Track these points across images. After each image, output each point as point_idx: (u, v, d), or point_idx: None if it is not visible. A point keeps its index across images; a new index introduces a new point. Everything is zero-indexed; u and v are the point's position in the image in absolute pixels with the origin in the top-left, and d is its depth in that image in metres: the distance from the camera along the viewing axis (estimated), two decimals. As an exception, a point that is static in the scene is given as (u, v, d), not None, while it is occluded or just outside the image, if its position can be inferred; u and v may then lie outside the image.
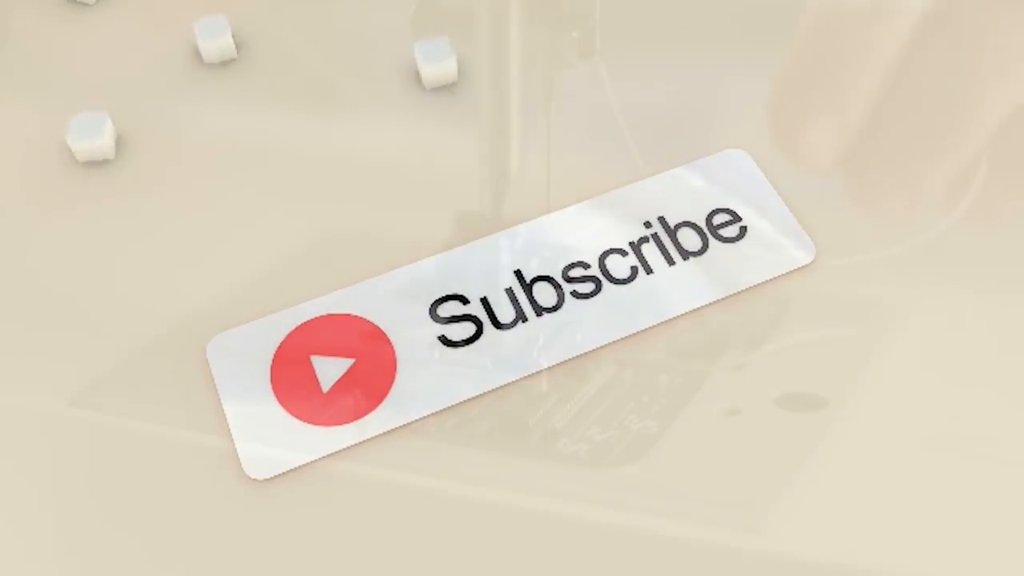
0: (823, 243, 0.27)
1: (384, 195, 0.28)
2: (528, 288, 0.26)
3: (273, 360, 0.25)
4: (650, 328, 0.26)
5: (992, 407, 0.25)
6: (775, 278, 0.26)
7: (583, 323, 0.26)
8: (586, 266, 0.26)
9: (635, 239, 0.27)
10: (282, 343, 0.25)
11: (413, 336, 0.25)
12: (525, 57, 0.31)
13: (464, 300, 0.26)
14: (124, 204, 0.28)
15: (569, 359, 0.25)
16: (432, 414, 0.24)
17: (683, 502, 0.23)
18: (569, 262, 0.27)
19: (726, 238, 0.27)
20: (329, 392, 0.25)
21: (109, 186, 0.28)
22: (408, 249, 0.27)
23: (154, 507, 0.23)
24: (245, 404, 0.25)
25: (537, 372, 0.25)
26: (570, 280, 0.26)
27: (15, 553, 0.23)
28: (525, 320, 0.26)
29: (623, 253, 0.27)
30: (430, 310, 0.26)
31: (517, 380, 0.25)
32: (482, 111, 0.30)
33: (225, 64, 0.31)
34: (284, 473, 0.24)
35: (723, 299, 0.26)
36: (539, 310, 0.26)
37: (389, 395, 0.25)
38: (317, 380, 0.25)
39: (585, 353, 0.25)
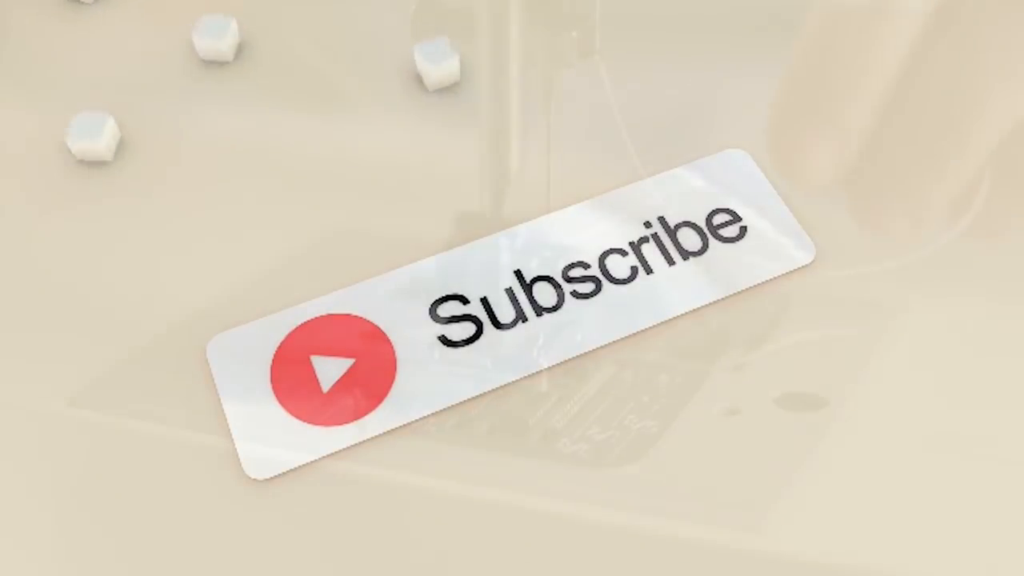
0: (823, 243, 0.27)
1: (384, 195, 0.28)
2: (528, 288, 0.26)
3: (273, 360, 0.25)
4: (650, 328, 0.26)
5: (992, 407, 0.25)
6: (775, 278, 0.26)
7: (583, 323, 0.26)
8: (586, 266, 0.26)
9: (635, 239, 0.27)
10: (282, 343, 0.25)
11: (413, 336, 0.25)
12: (525, 57, 0.31)
13: (464, 300, 0.26)
14: (124, 204, 0.28)
15: (569, 359, 0.25)
16: (432, 414, 0.24)
17: (683, 502, 0.23)
18: (569, 262, 0.27)
19: (726, 238, 0.27)
20: (329, 392, 0.25)
21: (109, 186, 0.28)
22: (408, 249, 0.27)
23: (154, 507, 0.23)
24: (245, 404, 0.25)
25: (537, 372, 0.25)
26: (570, 280, 0.26)
27: (15, 553, 0.23)
28: (525, 320, 0.26)
29: (623, 253, 0.27)
30: (430, 310, 0.26)
31: (517, 380, 0.25)
32: (482, 111, 0.30)
33: (226, 64, 0.31)
34: (284, 473, 0.24)
35: (723, 299, 0.26)
36: (539, 310, 0.26)
37: (389, 395, 0.25)
38: (317, 380, 0.25)
39: (585, 353, 0.25)
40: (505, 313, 0.26)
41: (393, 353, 0.25)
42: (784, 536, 0.23)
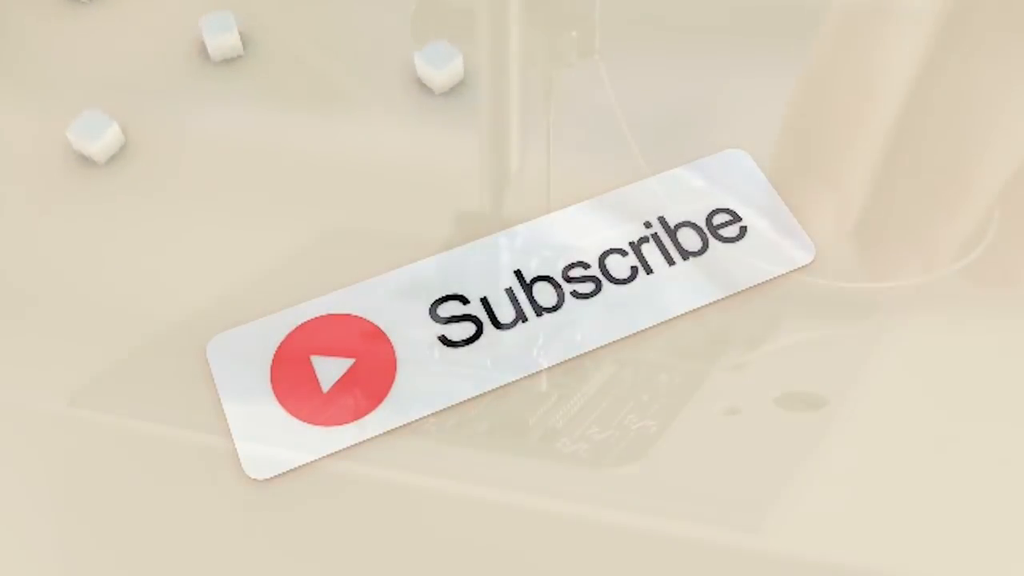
0: (823, 243, 0.27)
1: (384, 195, 0.28)
2: (528, 288, 0.26)
3: (273, 360, 0.25)
4: (650, 328, 0.26)
5: (991, 407, 0.25)
6: (775, 278, 0.26)
7: (583, 323, 0.26)
8: (586, 266, 0.26)
9: (635, 239, 0.27)
10: (282, 343, 0.25)
11: (413, 336, 0.25)
12: (525, 57, 0.31)
13: (464, 300, 0.26)
14: (124, 204, 0.28)
15: (569, 359, 0.25)
16: (432, 414, 0.24)
17: (682, 501, 0.23)
18: (569, 262, 0.27)
19: (726, 238, 0.27)
20: (329, 392, 0.25)
21: (109, 186, 0.28)
22: (408, 249, 0.27)
23: (154, 507, 0.23)
24: (245, 404, 0.25)
25: (537, 372, 0.25)
26: (570, 280, 0.26)
27: (15, 553, 0.23)
28: (525, 320, 0.26)
29: (623, 253, 0.27)
30: (430, 310, 0.26)
31: (517, 380, 0.25)
32: (482, 111, 0.30)
33: (228, 63, 0.31)
34: (284, 473, 0.24)
35: (723, 299, 0.26)
36: (539, 310, 0.26)
37: (389, 395, 0.25)
38: (317, 380, 0.25)
39: (585, 353, 0.25)
40: (505, 313, 0.26)
41: (393, 353, 0.25)
42: (783, 536, 0.23)
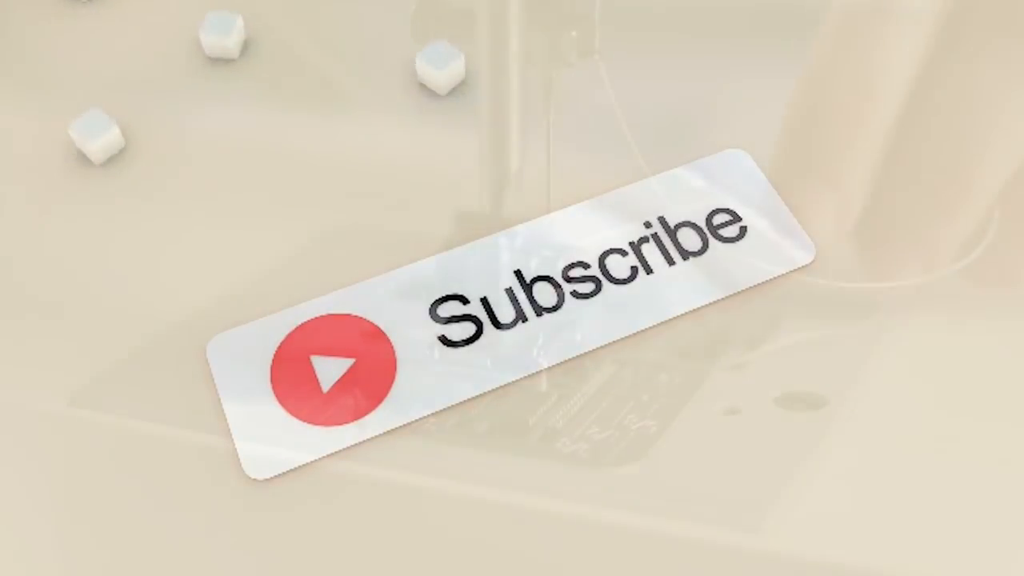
0: (823, 243, 0.27)
1: (384, 195, 0.28)
2: (528, 288, 0.26)
3: (273, 360, 0.25)
4: (650, 328, 0.26)
5: (992, 407, 0.25)
6: (775, 278, 0.26)
7: (583, 323, 0.26)
8: (586, 266, 0.26)
9: (635, 239, 0.27)
10: (282, 343, 0.25)
11: (413, 336, 0.25)
12: (525, 57, 0.31)
13: (464, 300, 0.26)
14: (125, 203, 0.28)
15: (569, 359, 0.25)
16: (432, 414, 0.24)
17: (682, 501, 0.23)
18: (569, 262, 0.27)
19: (726, 238, 0.27)
20: (329, 392, 0.25)
21: (110, 186, 0.28)
22: (408, 249, 0.27)
23: (154, 507, 0.23)
24: (245, 404, 0.25)
25: (537, 372, 0.25)
26: (570, 280, 0.26)
27: (15, 553, 0.23)
28: (525, 320, 0.26)
29: (623, 253, 0.27)
30: (430, 310, 0.26)
31: (517, 380, 0.25)
32: (482, 111, 0.30)
33: (228, 63, 0.31)
34: (284, 473, 0.24)
35: (723, 299, 0.26)
36: (539, 310, 0.26)
37: (389, 395, 0.25)
38: (317, 380, 0.25)
39: (585, 353, 0.25)
40: (505, 313, 0.26)
41: (393, 353, 0.25)
42: (783, 536, 0.23)
